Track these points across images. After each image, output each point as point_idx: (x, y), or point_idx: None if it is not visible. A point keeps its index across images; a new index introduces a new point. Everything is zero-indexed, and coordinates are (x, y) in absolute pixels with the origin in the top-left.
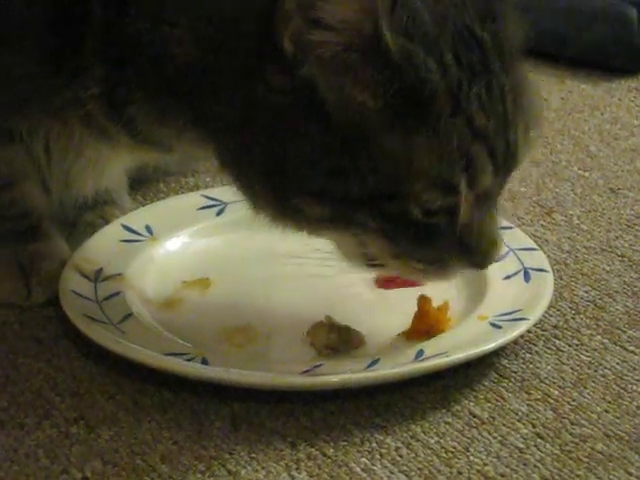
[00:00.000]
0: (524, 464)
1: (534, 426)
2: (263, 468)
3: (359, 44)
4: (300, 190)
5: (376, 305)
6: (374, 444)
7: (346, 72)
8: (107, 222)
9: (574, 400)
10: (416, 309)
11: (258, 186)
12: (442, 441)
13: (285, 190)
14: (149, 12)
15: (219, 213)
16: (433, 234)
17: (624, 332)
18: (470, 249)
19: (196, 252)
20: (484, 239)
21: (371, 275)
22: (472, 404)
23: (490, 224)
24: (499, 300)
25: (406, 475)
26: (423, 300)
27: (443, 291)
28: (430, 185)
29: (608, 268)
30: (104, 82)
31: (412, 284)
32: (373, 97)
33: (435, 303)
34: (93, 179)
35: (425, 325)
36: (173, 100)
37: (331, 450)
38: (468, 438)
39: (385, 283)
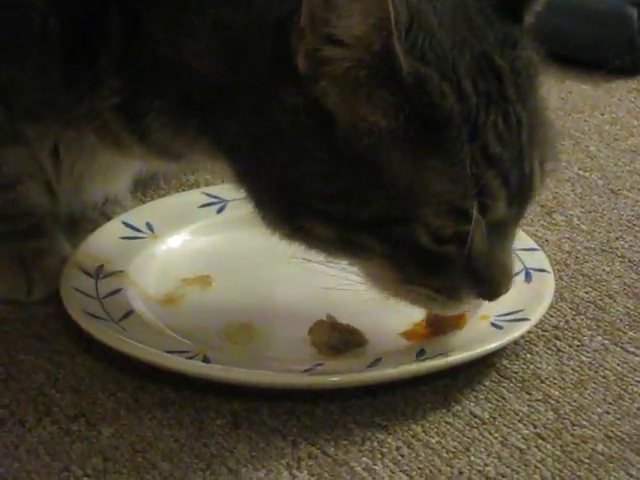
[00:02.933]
0: (525, 465)
1: (535, 427)
2: (264, 467)
3: (370, 61)
4: (307, 211)
5: (378, 304)
6: (375, 443)
7: (357, 90)
8: (109, 219)
9: (575, 401)
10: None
11: (268, 204)
12: (443, 441)
13: (293, 210)
14: (169, 24)
15: (220, 210)
16: (442, 262)
17: (625, 333)
18: (480, 279)
19: (197, 249)
20: (495, 270)
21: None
22: (473, 404)
23: (503, 255)
24: (500, 300)
25: (407, 475)
26: None
27: None
28: (441, 210)
29: (608, 269)
30: (122, 93)
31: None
32: (385, 118)
33: None
34: (103, 185)
35: (443, 323)
36: (188, 111)
37: (332, 449)
38: (469, 438)
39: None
